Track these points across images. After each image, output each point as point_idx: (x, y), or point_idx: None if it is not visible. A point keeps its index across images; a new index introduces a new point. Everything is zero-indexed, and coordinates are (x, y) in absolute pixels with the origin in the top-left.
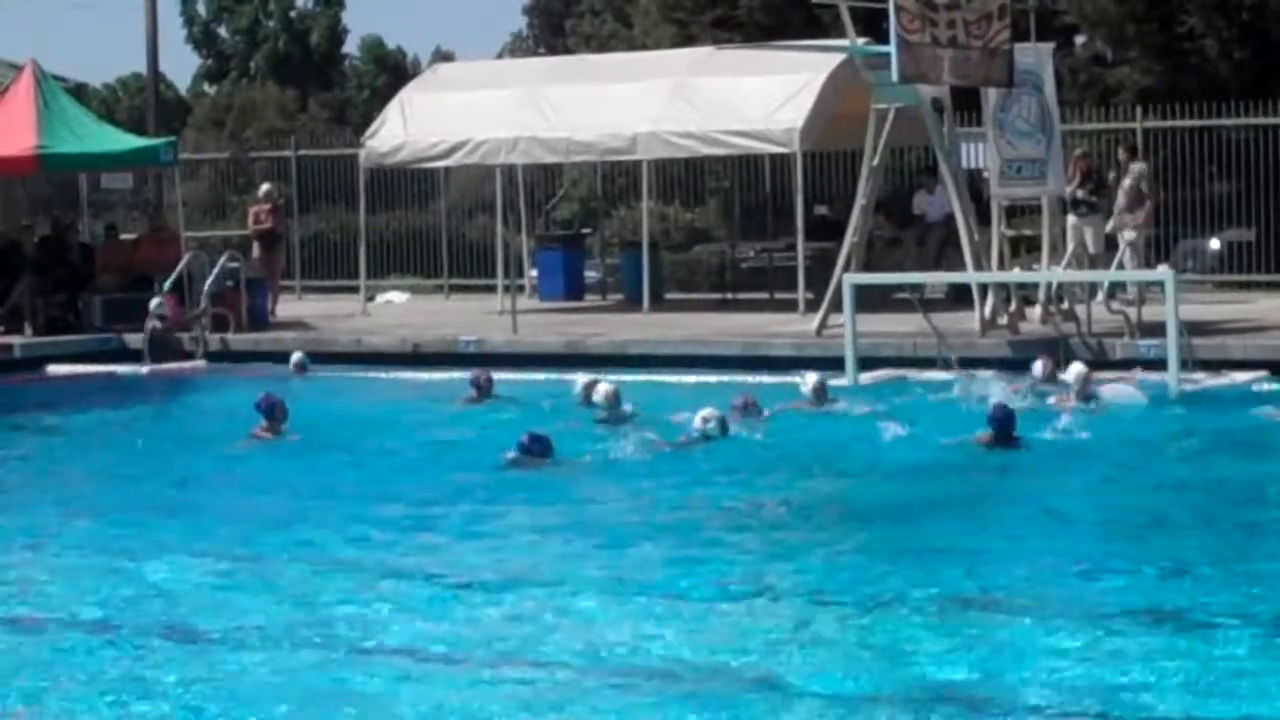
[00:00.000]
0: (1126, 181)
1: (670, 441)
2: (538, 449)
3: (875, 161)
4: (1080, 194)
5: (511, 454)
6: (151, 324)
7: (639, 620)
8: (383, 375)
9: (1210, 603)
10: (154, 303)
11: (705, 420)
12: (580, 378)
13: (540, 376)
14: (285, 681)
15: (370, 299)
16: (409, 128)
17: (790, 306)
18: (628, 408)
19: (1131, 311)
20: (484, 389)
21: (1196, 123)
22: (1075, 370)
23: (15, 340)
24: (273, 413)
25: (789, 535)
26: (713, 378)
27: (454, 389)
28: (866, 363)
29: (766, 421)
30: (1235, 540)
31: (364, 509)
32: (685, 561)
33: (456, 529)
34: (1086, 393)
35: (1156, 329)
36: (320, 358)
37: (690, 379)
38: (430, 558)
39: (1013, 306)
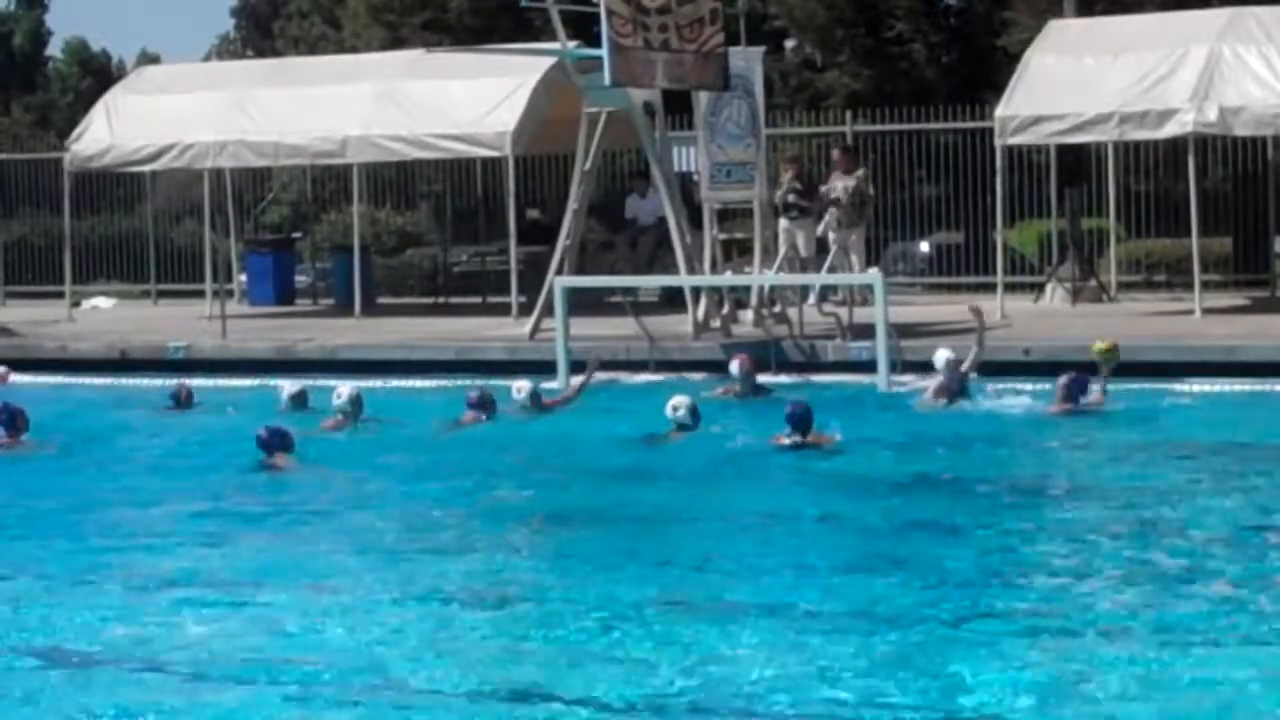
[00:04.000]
0: (851, 183)
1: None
2: (276, 443)
3: (587, 165)
4: (791, 198)
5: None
6: None
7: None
8: (93, 381)
9: (918, 600)
10: None
11: (675, 409)
12: (286, 385)
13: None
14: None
15: (76, 305)
16: (114, 131)
17: (503, 310)
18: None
19: (843, 313)
20: (184, 400)
21: (905, 127)
22: (943, 357)
23: None
24: (14, 422)
25: (521, 538)
26: (427, 383)
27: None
28: (580, 366)
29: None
30: (938, 540)
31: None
32: (419, 562)
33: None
34: (953, 383)
35: (868, 331)
36: (23, 365)
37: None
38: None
39: (725, 309)
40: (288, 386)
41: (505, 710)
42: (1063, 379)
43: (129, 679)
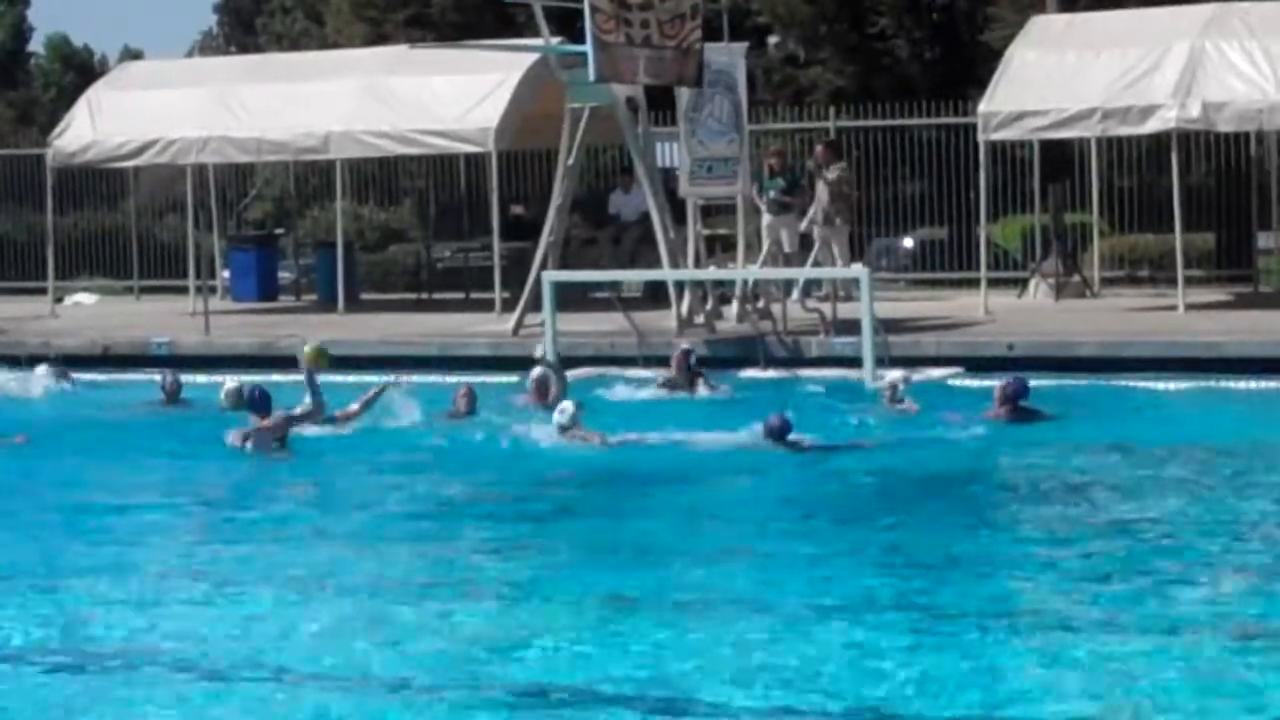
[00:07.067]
0: (831, 176)
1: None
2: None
3: (570, 161)
4: (773, 193)
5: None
6: None
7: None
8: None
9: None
10: None
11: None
12: (229, 380)
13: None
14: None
15: (59, 301)
16: (97, 127)
17: (486, 306)
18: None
19: (826, 309)
20: (172, 393)
21: (888, 122)
22: (891, 376)
23: None
24: None
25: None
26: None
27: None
28: (565, 362)
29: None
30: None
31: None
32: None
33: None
34: (898, 397)
35: (852, 326)
36: (5, 361)
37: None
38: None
39: (709, 305)
40: (227, 383)
41: (499, 709)
42: (1001, 383)
43: (114, 677)
